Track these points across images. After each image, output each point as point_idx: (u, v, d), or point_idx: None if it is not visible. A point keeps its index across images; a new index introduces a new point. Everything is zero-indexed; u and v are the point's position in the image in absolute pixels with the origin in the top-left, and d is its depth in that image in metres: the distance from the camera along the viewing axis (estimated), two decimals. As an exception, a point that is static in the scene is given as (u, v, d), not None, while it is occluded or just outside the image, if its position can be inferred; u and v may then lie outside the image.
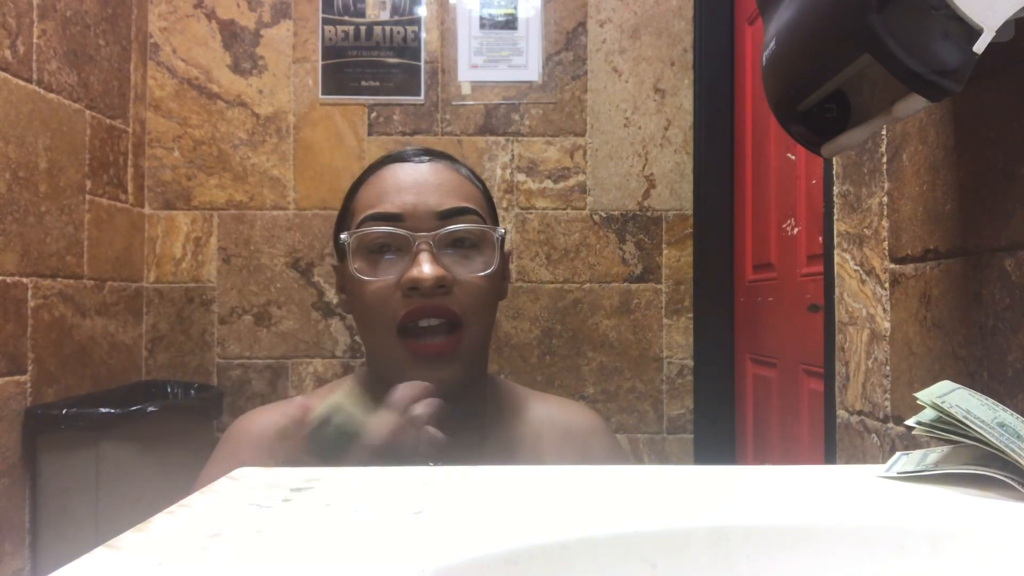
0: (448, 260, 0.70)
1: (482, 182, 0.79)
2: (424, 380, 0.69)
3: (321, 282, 2.24)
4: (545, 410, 0.80)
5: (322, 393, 0.80)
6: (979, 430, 0.43)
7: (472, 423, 0.76)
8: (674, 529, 0.34)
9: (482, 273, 0.72)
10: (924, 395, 0.47)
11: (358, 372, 0.81)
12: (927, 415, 0.47)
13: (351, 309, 0.76)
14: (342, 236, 0.72)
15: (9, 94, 1.62)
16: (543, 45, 2.26)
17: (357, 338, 2.19)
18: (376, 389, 0.76)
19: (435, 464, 0.72)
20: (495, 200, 2.24)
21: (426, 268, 0.68)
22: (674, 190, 2.26)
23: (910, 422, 0.48)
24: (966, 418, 0.44)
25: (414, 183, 0.72)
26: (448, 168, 0.75)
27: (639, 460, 2.23)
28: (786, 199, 1.79)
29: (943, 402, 0.45)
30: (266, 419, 0.77)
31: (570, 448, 0.77)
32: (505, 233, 0.76)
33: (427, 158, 0.75)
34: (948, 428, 0.45)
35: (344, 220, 0.76)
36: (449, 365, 0.70)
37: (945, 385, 0.47)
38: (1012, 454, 0.41)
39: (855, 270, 1.14)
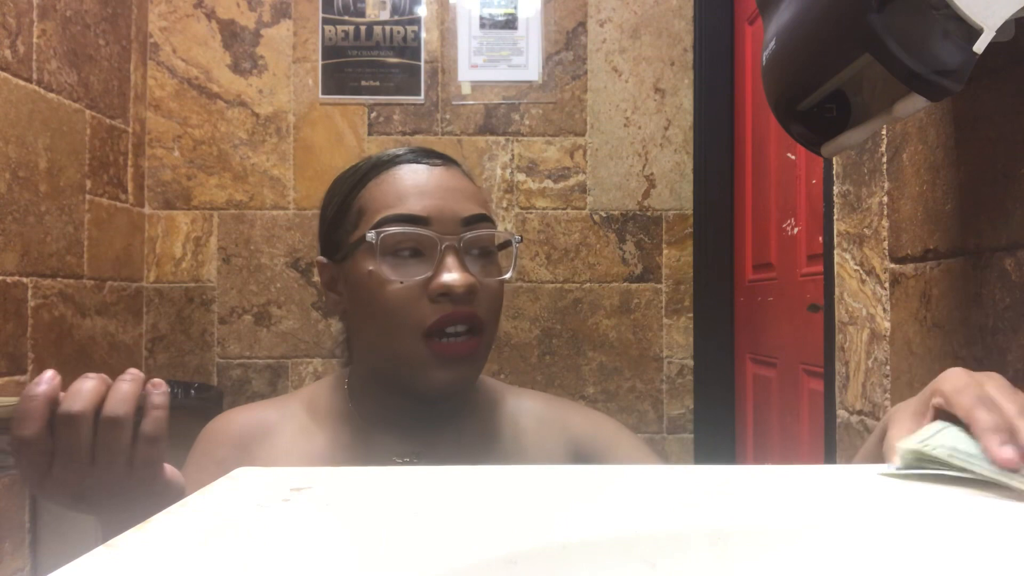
0: (471, 266, 0.70)
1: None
2: (448, 380, 0.69)
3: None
4: (520, 403, 0.80)
5: (307, 392, 0.79)
6: (964, 464, 0.41)
7: (451, 419, 0.76)
8: (674, 529, 0.34)
9: (501, 278, 0.72)
10: (906, 444, 0.44)
11: (340, 374, 0.79)
12: (907, 459, 0.44)
13: (349, 308, 0.74)
14: (368, 236, 0.69)
15: (9, 94, 1.62)
16: (543, 45, 2.26)
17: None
18: (362, 389, 0.75)
19: (415, 462, 0.72)
20: (495, 200, 2.25)
21: (458, 275, 0.68)
22: (674, 190, 2.26)
23: (889, 468, 0.45)
24: (951, 457, 0.42)
25: (437, 187, 0.71)
26: (462, 174, 0.75)
27: (639, 460, 2.22)
28: (786, 199, 1.79)
29: (925, 446, 0.43)
30: (245, 418, 0.75)
31: (548, 432, 0.77)
32: (521, 239, 0.76)
33: (440, 161, 0.74)
34: (933, 465, 0.44)
35: (346, 218, 0.73)
36: (470, 365, 0.70)
37: (932, 427, 0.45)
38: (1004, 480, 0.41)
39: (855, 270, 1.14)
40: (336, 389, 0.77)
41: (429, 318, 0.68)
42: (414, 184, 0.71)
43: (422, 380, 0.69)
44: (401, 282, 0.68)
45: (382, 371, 0.73)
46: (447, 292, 0.67)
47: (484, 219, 0.72)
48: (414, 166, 0.73)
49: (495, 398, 0.80)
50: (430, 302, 0.68)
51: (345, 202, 0.74)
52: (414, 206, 0.69)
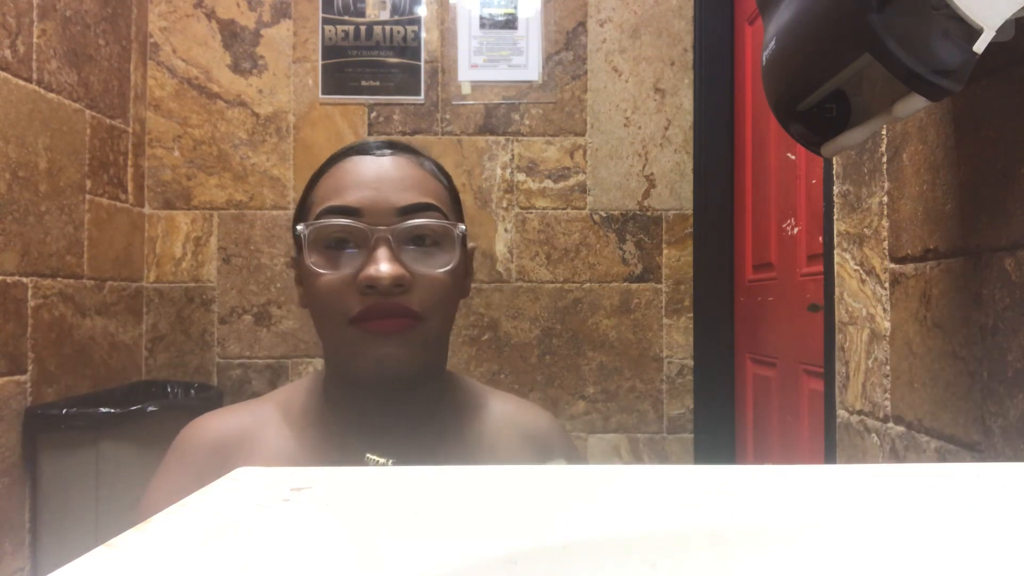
0: (408, 257, 0.68)
1: (447, 177, 0.77)
2: (377, 357, 0.67)
3: (321, 282, 2.24)
4: (504, 409, 0.79)
5: (281, 394, 0.77)
6: None
7: (428, 419, 0.74)
8: (674, 529, 0.34)
9: (441, 270, 0.70)
10: None
11: (317, 374, 0.78)
12: None
13: (307, 303, 0.73)
14: (298, 228, 0.70)
15: (9, 94, 1.62)
16: (543, 45, 2.26)
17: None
18: (335, 387, 0.74)
19: (389, 463, 0.70)
20: (495, 200, 2.25)
21: (383, 267, 0.66)
22: (674, 190, 2.26)
23: None
24: None
25: (375, 177, 0.70)
26: (410, 162, 0.73)
27: (639, 460, 2.23)
28: (786, 199, 1.79)
29: None
30: (220, 424, 0.74)
31: (530, 449, 0.76)
32: (466, 230, 0.73)
33: (389, 151, 0.73)
34: None
35: (303, 212, 0.74)
36: (401, 345, 0.68)
37: None
38: None
39: (855, 270, 1.14)
40: (311, 390, 0.76)
41: (355, 308, 0.67)
42: (354, 176, 0.70)
43: (357, 362, 0.68)
44: (331, 273, 0.68)
45: (331, 360, 0.73)
46: (372, 284, 0.66)
47: (425, 208, 0.70)
48: (360, 157, 0.72)
49: (476, 402, 0.79)
50: (359, 293, 0.67)
51: (304, 197, 0.75)
52: (348, 198, 0.69)
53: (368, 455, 0.69)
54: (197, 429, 0.74)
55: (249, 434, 0.73)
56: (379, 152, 0.73)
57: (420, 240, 0.70)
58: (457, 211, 0.76)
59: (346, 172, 0.71)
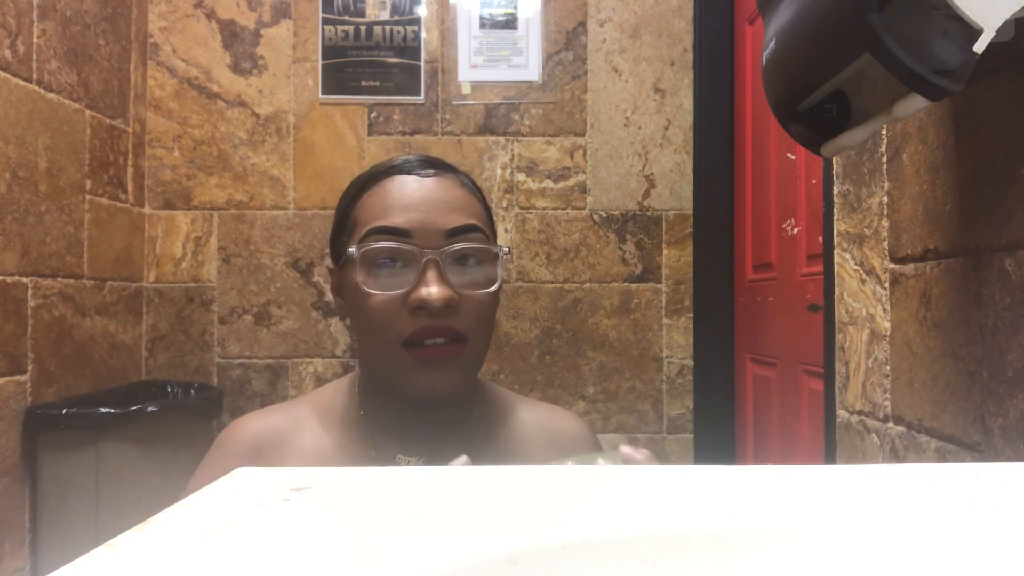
0: (454, 278, 0.71)
1: (481, 192, 0.79)
2: (430, 383, 0.70)
3: (321, 282, 2.24)
4: (532, 416, 0.81)
5: (318, 395, 0.80)
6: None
7: (459, 426, 0.76)
8: (674, 529, 0.34)
9: (486, 291, 0.72)
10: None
11: (353, 376, 0.81)
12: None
13: (348, 315, 0.76)
14: (350, 250, 0.72)
15: (9, 94, 1.62)
16: (543, 45, 2.26)
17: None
18: (369, 392, 0.77)
19: (418, 463, 0.73)
20: (495, 200, 2.25)
21: (435, 289, 0.68)
22: (674, 190, 2.26)
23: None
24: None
25: (422, 199, 0.72)
26: (454, 184, 0.75)
27: (639, 460, 2.23)
28: (786, 199, 1.79)
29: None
30: (258, 425, 0.76)
31: (556, 455, 0.78)
32: (509, 251, 0.77)
33: (433, 171, 0.75)
34: None
35: (344, 227, 0.76)
36: (451, 371, 0.71)
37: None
38: None
39: (855, 270, 1.14)
40: (347, 392, 0.79)
41: (407, 329, 0.69)
42: (400, 196, 0.72)
43: (406, 385, 0.71)
44: (381, 294, 0.70)
45: (376, 375, 0.75)
46: (423, 306, 0.68)
47: (471, 230, 0.72)
48: (404, 177, 0.74)
49: (507, 409, 0.81)
50: (409, 314, 0.69)
51: (345, 212, 0.76)
52: (397, 219, 0.71)
53: (399, 455, 0.73)
54: (235, 430, 0.77)
55: (285, 434, 0.76)
56: (423, 172, 0.74)
57: (464, 260, 0.72)
58: (492, 227, 0.78)
59: (391, 192, 0.73)
